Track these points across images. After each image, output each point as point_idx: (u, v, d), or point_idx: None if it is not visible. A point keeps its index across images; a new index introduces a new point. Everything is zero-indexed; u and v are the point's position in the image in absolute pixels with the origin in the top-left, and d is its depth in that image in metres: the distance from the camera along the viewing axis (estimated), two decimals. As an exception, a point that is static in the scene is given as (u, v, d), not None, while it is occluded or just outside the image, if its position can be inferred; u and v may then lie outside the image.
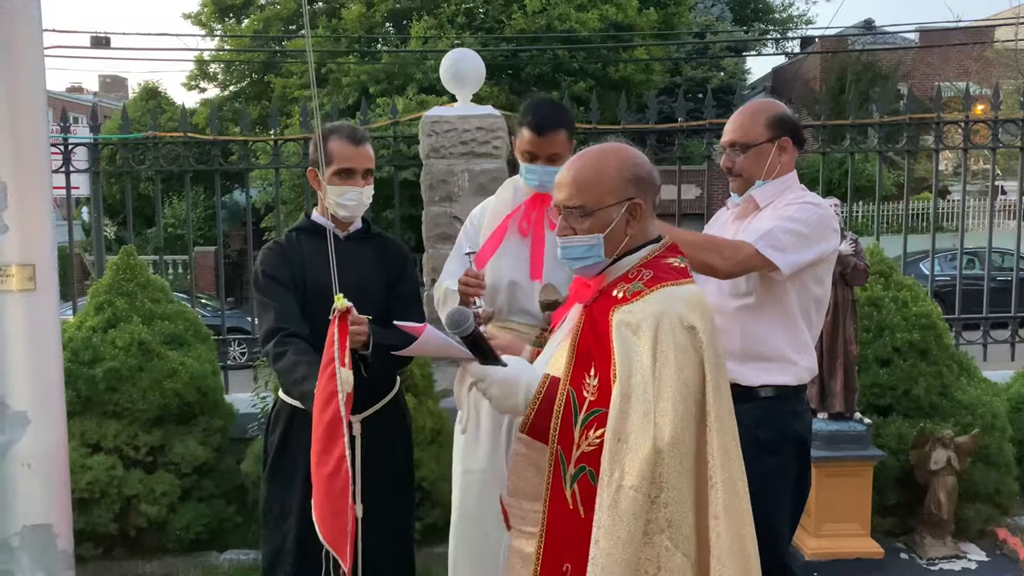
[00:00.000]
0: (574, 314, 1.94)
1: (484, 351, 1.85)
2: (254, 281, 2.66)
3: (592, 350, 1.81)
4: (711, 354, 1.78)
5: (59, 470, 2.29)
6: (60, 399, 2.30)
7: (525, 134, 2.81)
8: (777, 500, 2.49)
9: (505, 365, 1.84)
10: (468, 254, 2.73)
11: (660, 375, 1.72)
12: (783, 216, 2.47)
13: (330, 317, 2.21)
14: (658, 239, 1.94)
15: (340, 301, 2.21)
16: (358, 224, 2.74)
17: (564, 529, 1.75)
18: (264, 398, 4.24)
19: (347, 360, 2.15)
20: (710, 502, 1.74)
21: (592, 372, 1.79)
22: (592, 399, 1.76)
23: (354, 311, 2.26)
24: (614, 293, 1.85)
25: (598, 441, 1.73)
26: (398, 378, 2.81)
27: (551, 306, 2.50)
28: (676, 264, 1.90)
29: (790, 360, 2.54)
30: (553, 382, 1.83)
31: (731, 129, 2.65)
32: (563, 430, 1.77)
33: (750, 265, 2.43)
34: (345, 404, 2.13)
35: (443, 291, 2.90)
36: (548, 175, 2.83)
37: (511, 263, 2.80)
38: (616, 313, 1.80)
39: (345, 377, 2.13)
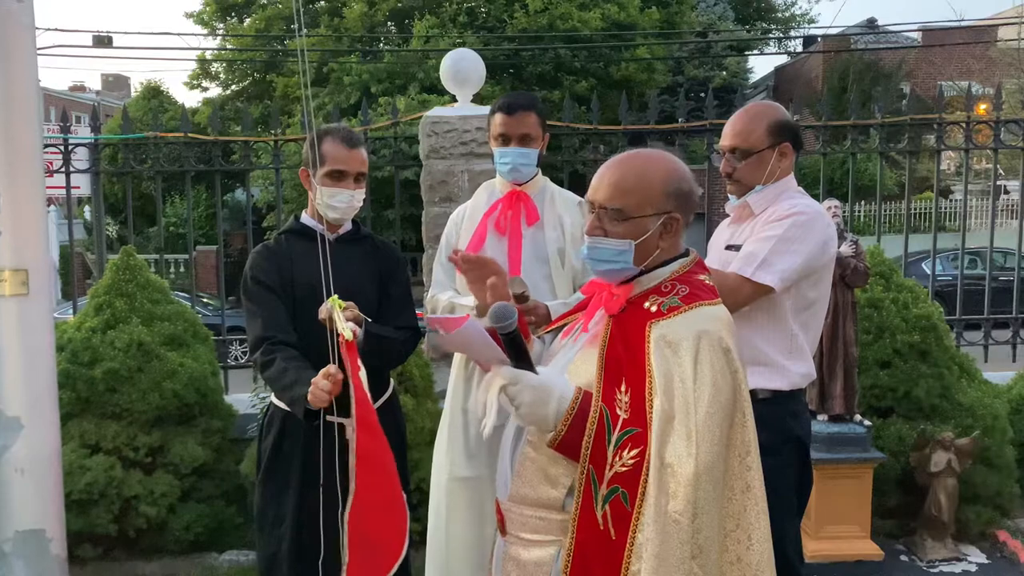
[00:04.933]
0: (597, 322, 1.89)
1: (520, 353, 1.80)
2: (243, 287, 2.64)
3: (622, 363, 1.77)
4: (742, 378, 1.77)
5: (52, 475, 2.28)
6: (53, 404, 2.29)
7: (496, 118, 2.87)
8: (779, 501, 2.47)
9: (536, 372, 1.79)
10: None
11: (698, 396, 1.69)
12: (770, 237, 2.48)
13: (320, 317, 2.20)
14: (686, 253, 1.91)
15: (334, 301, 2.20)
16: (348, 226, 2.72)
17: (594, 549, 1.72)
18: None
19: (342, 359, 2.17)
20: (753, 530, 1.73)
21: (623, 387, 1.74)
22: (625, 417, 1.72)
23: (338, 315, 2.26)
24: (646, 305, 1.80)
25: (632, 462, 1.69)
26: (391, 380, 2.80)
27: (517, 299, 2.49)
28: (708, 281, 1.87)
29: (783, 366, 2.53)
30: (587, 396, 1.77)
31: (731, 134, 2.64)
32: (595, 449, 1.72)
33: (749, 300, 2.46)
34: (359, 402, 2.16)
35: (444, 305, 2.88)
36: (521, 157, 2.85)
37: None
38: (654, 328, 1.76)
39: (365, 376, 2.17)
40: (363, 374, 2.17)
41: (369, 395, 2.17)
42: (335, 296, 2.23)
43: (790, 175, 2.64)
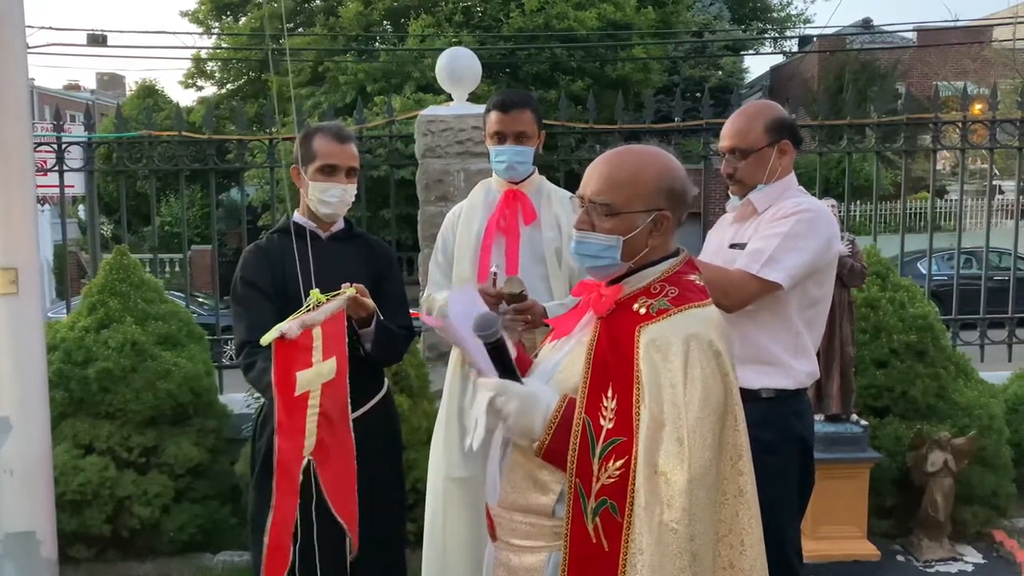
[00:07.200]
0: (586, 323, 1.86)
1: (506, 363, 1.78)
2: (232, 288, 2.64)
3: (609, 367, 1.74)
4: (733, 381, 1.74)
5: (43, 477, 2.26)
6: (44, 404, 2.27)
7: (491, 116, 2.86)
8: (780, 500, 2.46)
9: (522, 383, 1.77)
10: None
11: (689, 400, 1.67)
12: (776, 234, 2.47)
13: (309, 309, 2.18)
14: (676, 252, 1.88)
15: (316, 296, 2.18)
16: (340, 224, 2.72)
17: (589, 561, 1.70)
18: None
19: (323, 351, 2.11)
20: (746, 537, 1.71)
21: (610, 393, 1.71)
22: (609, 427, 1.69)
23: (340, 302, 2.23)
24: (635, 308, 1.77)
25: (618, 473, 1.67)
26: (386, 380, 2.79)
27: (515, 298, 2.48)
28: (698, 282, 1.84)
29: (788, 365, 2.52)
30: (570, 404, 1.75)
31: (730, 134, 2.63)
32: (580, 462, 1.70)
33: (755, 297, 2.45)
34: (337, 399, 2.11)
35: (439, 304, 2.87)
36: (517, 155, 2.84)
37: (491, 260, 2.84)
38: (643, 332, 1.73)
39: (328, 369, 2.11)
40: (303, 375, 2.08)
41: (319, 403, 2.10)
42: (316, 290, 2.22)
43: (791, 173, 2.64)
